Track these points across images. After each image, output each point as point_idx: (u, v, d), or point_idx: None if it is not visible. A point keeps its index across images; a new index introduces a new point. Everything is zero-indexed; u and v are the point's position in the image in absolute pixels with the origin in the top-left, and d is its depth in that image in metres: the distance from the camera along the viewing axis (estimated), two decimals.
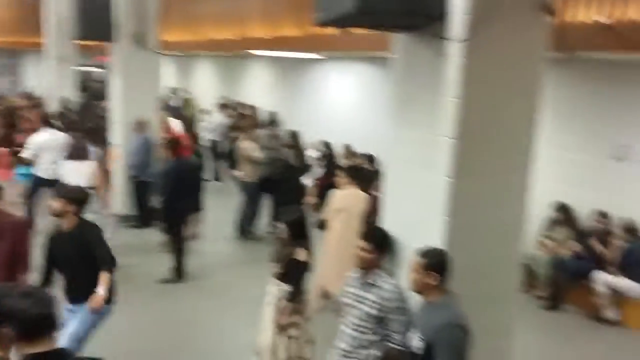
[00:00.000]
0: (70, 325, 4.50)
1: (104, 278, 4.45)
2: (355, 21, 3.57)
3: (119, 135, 9.42)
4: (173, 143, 7.64)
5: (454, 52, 3.29)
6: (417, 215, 3.67)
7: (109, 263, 4.55)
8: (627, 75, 6.98)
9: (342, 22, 3.53)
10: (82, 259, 4.51)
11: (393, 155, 3.93)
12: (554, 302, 7.24)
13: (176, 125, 10.94)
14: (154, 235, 7.98)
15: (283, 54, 11.84)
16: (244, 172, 9.21)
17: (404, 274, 3.57)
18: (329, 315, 5.22)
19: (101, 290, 4.42)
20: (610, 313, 6.78)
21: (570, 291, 7.22)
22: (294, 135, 9.47)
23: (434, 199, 3.51)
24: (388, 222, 3.98)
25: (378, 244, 3.79)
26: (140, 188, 8.96)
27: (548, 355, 6.10)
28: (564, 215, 7.59)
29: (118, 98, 9.51)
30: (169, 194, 7.23)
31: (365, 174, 7.47)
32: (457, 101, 3.30)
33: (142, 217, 9.07)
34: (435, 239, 3.50)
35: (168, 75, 20.49)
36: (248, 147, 9.19)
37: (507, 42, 3.38)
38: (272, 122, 10.90)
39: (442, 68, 3.38)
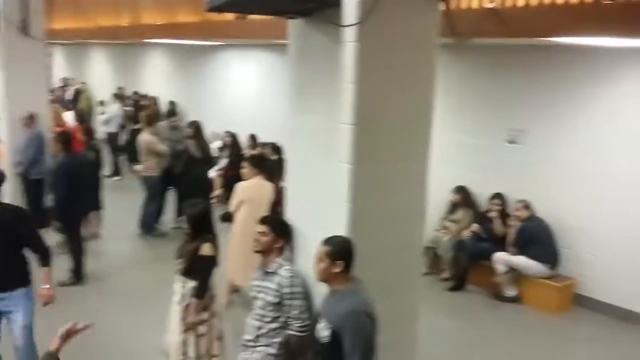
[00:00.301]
0: (16, 317, 4.46)
1: (45, 272, 4.50)
2: (245, 6, 3.43)
3: (5, 130, 8.75)
4: (64, 137, 7.19)
5: (348, 37, 3.24)
6: (320, 204, 3.61)
7: (46, 255, 4.52)
8: (518, 60, 7.26)
9: (231, 6, 3.38)
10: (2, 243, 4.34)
11: (293, 143, 3.85)
12: (458, 283, 7.46)
13: (69, 118, 10.34)
14: (50, 236, 7.50)
15: (180, 41, 11.46)
16: (145, 166, 8.84)
17: (307, 263, 3.50)
18: (239, 310, 5.09)
19: (47, 286, 4.48)
20: (510, 291, 7.07)
21: (472, 272, 7.46)
22: (196, 126, 9.13)
23: (335, 187, 3.45)
24: (291, 211, 3.90)
25: (276, 227, 3.78)
26: (32, 186, 8.39)
27: (452, 335, 6.27)
28: (464, 197, 7.83)
29: (2, 91, 8.83)
30: (62, 191, 6.83)
31: (269, 163, 7.38)
32: (354, 87, 3.25)
33: (37, 217, 8.48)
34: (339, 227, 3.45)
35: (59, 66, 19.45)
36: (148, 139, 8.82)
37: (401, 27, 3.37)
38: (172, 112, 10.55)
39: (338, 54, 3.31)
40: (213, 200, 10.04)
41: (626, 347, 6.02)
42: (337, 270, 3.27)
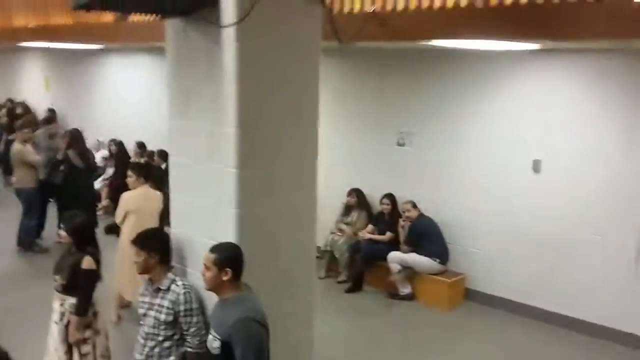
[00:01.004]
0: None
1: None
2: (112, 4, 3.20)
3: None
4: None
5: (228, 38, 3.11)
6: (206, 210, 3.44)
7: None
8: (406, 64, 7.44)
9: (98, 5, 3.14)
10: None
11: (175, 149, 3.64)
12: (355, 284, 7.50)
13: None
14: None
15: (55, 44, 10.78)
16: (20, 178, 8.21)
17: (198, 273, 3.32)
18: (129, 325, 4.79)
19: None
20: (404, 289, 7.20)
21: (368, 273, 7.53)
22: (72, 134, 8.47)
23: (221, 192, 3.31)
24: (176, 219, 3.69)
25: (151, 247, 3.55)
26: None
27: (350, 336, 6.28)
28: (358, 199, 7.90)
29: None
30: None
31: (157, 171, 7.07)
32: (236, 89, 3.13)
33: None
34: (227, 233, 3.31)
35: None
36: (18, 148, 8.21)
37: (282, 29, 3.31)
38: (50, 120, 9.88)
39: (218, 55, 3.17)
40: (99, 212, 9.57)
41: (515, 337, 6.28)
42: (225, 278, 3.14)
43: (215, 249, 3.17)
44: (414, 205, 7.22)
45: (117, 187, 8.62)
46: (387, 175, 7.79)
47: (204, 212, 3.45)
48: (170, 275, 3.54)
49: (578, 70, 6.17)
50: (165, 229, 4.16)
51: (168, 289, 3.51)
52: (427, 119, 7.35)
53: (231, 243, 3.25)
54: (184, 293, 3.47)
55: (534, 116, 6.49)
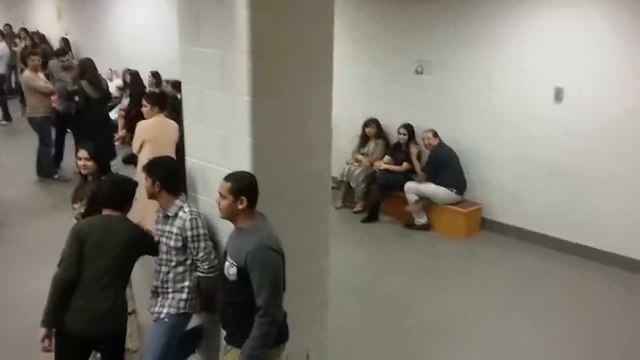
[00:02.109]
0: None
1: None
2: None
3: None
4: None
5: None
6: (220, 138, 3.40)
7: None
8: None
9: None
10: None
11: (187, 77, 3.57)
12: (371, 215, 7.54)
13: None
14: None
15: None
16: (31, 106, 8.23)
17: (211, 201, 3.32)
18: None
19: None
20: (420, 219, 7.22)
21: (385, 203, 7.54)
22: (87, 63, 8.37)
23: (235, 121, 3.26)
24: (191, 147, 3.67)
25: (155, 174, 3.55)
26: None
27: (365, 265, 6.36)
28: (375, 129, 7.83)
29: None
30: None
31: (172, 101, 7.01)
32: (247, 14, 3.01)
33: None
34: (241, 162, 3.28)
35: None
36: (31, 76, 8.17)
37: None
38: (64, 51, 9.77)
39: None
40: (116, 142, 9.62)
41: (529, 264, 6.33)
42: (241, 206, 3.14)
43: (230, 177, 3.16)
44: (435, 134, 7.12)
45: (134, 116, 8.61)
46: (405, 104, 7.68)
47: (218, 141, 3.41)
48: (177, 202, 3.55)
49: None
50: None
51: (176, 215, 3.54)
52: (445, 46, 7.16)
53: (246, 172, 3.23)
54: (190, 219, 3.49)
55: (557, 42, 6.27)
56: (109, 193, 3.62)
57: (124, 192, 3.64)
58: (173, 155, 4.90)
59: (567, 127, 6.35)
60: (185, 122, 3.66)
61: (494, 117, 6.90)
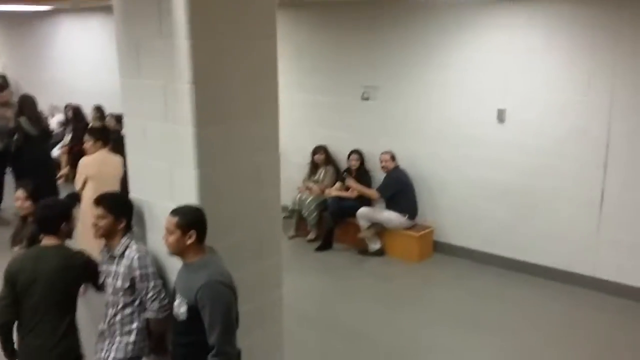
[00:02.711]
0: None
1: None
2: None
3: None
4: None
5: None
6: (165, 172, 3.30)
7: None
8: (368, 17, 7.28)
9: None
10: None
11: (129, 109, 3.47)
12: (325, 243, 7.48)
13: None
14: None
15: (2, 7, 10.28)
16: None
17: (159, 238, 3.20)
18: (94, 295, 4.66)
19: None
20: (374, 245, 7.20)
21: (338, 230, 7.51)
22: (25, 100, 8.07)
23: (180, 152, 3.18)
24: (135, 183, 3.55)
25: (113, 207, 3.39)
26: None
27: (320, 293, 6.29)
28: (324, 156, 7.82)
29: None
30: None
31: (116, 135, 6.84)
32: (189, 43, 2.96)
33: None
34: (188, 195, 3.19)
35: None
36: None
37: None
38: (1, 87, 9.44)
39: (169, 9, 2.99)
40: (59, 180, 9.30)
41: (479, 285, 6.39)
42: (189, 241, 3.04)
43: (177, 211, 3.07)
44: (393, 157, 7.13)
45: (77, 153, 8.37)
46: (353, 130, 7.72)
47: (163, 174, 3.31)
48: (124, 240, 3.40)
49: (541, 18, 6.10)
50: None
51: (122, 254, 3.39)
52: (390, 71, 7.25)
53: (193, 205, 3.14)
54: (138, 258, 3.35)
55: (498, 65, 6.44)
56: (39, 216, 3.47)
57: (56, 213, 3.46)
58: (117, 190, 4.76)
59: (510, 148, 6.49)
60: (129, 157, 3.55)
61: (440, 140, 7.01)
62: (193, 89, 3.02)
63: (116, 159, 5.76)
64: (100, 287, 3.58)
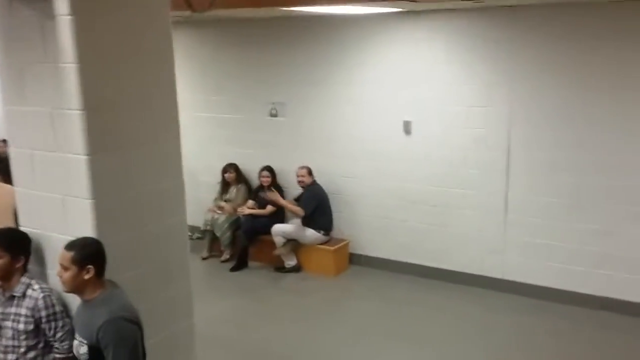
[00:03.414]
0: None
1: None
2: None
3: None
4: None
5: (61, 10, 2.75)
6: (58, 204, 3.08)
7: None
8: (273, 33, 7.24)
9: None
10: None
11: (15, 139, 3.23)
12: (239, 262, 7.33)
13: None
14: None
15: None
16: None
17: (53, 275, 2.99)
18: None
19: None
20: (290, 261, 7.13)
21: (252, 248, 7.38)
22: None
23: (72, 183, 2.97)
24: (25, 216, 3.30)
25: (9, 246, 3.13)
26: None
27: (237, 314, 6.13)
28: (234, 174, 7.69)
29: None
30: None
31: (5, 162, 6.39)
32: (77, 67, 2.78)
33: None
34: (84, 227, 2.99)
35: None
36: None
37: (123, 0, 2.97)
38: None
39: (53, 31, 2.81)
40: None
41: (396, 294, 6.46)
42: (87, 276, 2.84)
43: (71, 245, 2.85)
44: (310, 172, 7.08)
45: None
46: (262, 147, 7.64)
47: (56, 206, 3.09)
48: (23, 279, 3.15)
49: (440, 30, 6.29)
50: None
51: (23, 295, 3.13)
52: (297, 87, 7.24)
53: (90, 237, 2.94)
54: (43, 297, 3.11)
55: (402, 78, 6.57)
56: None
57: None
58: (11, 223, 4.42)
59: (418, 158, 6.62)
60: (17, 188, 3.30)
61: (350, 154, 7.05)
62: (83, 115, 2.83)
63: (7, 188, 5.29)
64: None
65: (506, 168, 6.18)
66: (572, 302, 5.97)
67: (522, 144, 6.07)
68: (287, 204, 7.23)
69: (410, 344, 5.38)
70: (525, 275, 6.24)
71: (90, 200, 2.95)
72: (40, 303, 3.11)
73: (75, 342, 2.92)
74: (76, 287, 2.88)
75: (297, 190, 7.26)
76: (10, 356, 3.20)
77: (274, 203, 7.23)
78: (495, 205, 6.29)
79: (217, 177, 7.79)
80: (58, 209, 3.09)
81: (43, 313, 3.11)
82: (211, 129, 7.98)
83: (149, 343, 3.03)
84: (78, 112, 2.83)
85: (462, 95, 6.28)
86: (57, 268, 2.87)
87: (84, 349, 2.85)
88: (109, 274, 2.94)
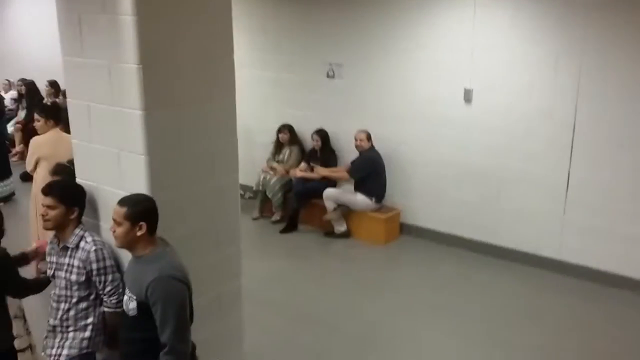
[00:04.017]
0: None
1: None
2: None
3: None
4: None
5: None
6: (112, 157, 3.08)
7: None
8: None
9: None
10: None
11: (73, 90, 3.22)
12: (290, 224, 7.32)
13: None
14: None
15: None
16: None
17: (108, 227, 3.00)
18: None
19: None
20: (340, 227, 7.07)
21: (303, 211, 7.35)
22: None
23: (128, 137, 2.96)
24: (81, 167, 3.32)
25: (64, 197, 3.15)
26: None
27: (286, 276, 6.15)
28: (289, 136, 7.62)
29: None
30: None
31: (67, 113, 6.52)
32: (134, 20, 2.72)
33: None
34: (137, 182, 2.99)
35: None
36: None
37: None
38: None
39: None
40: (14, 158, 8.97)
41: (445, 267, 6.32)
42: (140, 233, 2.84)
43: (125, 201, 2.85)
44: (369, 137, 6.89)
45: (31, 130, 8.00)
46: (318, 109, 7.53)
47: (111, 160, 3.09)
48: (77, 231, 3.18)
49: None
50: None
51: (77, 246, 3.17)
52: (355, 48, 7.06)
53: (143, 194, 2.94)
54: (95, 250, 3.14)
55: (464, 44, 6.29)
56: None
57: None
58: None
59: (477, 128, 6.39)
60: (74, 140, 3.31)
61: (407, 120, 6.87)
62: (140, 70, 2.79)
63: (66, 138, 5.45)
64: (17, 291, 3.37)
65: (570, 144, 5.89)
66: (631, 289, 5.71)
67: (588, 119, 5.76)
68: (330, 172, 7.12)
69: (454, 320, 5.27)
70: (583, 257, 5.99)
71: (144, 156, 2.93)
72: (92, 256, 3.14)
73: (125, 297, 2.94)
74: (128, 242, 2.88)
75: (353, 154, 7.12)
76: (62, 305, 3.27)
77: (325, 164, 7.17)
78: (555, 182, 6.03)
79: (272, 137, 7.75)
80: (113, 163, 3.09)
81: (94, 266, 3.14)
82: (269, 88, 7.91)
83: (197, 301, 3.03)
84: (135, 66, 2.79)
85: (527, 64, 5.98)
86: (111, 223, 2.87)
87: (133, 305, 2.87)
88: (160, 231, 2.93)
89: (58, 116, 5.58)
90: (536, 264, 6.22)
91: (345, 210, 7.06)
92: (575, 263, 6.03)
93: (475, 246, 6.60)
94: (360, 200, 6.94)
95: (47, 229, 3.25)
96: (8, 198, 7.80)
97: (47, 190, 3.16)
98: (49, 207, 3.13)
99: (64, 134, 5.53)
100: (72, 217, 3.17)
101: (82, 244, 3.17)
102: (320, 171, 7.14)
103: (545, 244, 6.20)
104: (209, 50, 3.12)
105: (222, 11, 3.16)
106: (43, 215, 3.17)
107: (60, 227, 3.18)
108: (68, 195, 3.18)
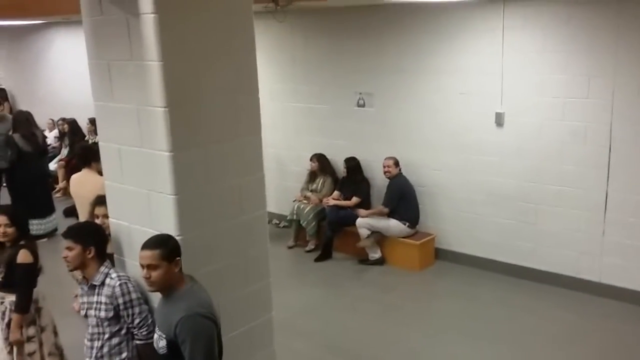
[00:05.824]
0: None
1: None
2: None
3: None
4: None
5: (145, 8, 2.80)
6: (143, 198, 3.17)
7: None
8: (360, 22, 7.13)
9: None
10: None
11: (104, 133, 3.34)
12: (324, 252, 7.34)
13: None
14: None
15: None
16: None
17: (136, 263, 3.07)
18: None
19: None
20: (374, 254, 7.06)
21: (337, 239, 7.36)
22: (18, 117, 8.01)
23: (156, 178, 3.04)
24: (113, 207, 3.42)
25: (80, 238, 3.27)
26: None
27: (321, 304, 6.14)
28: (321, 164, 7.68)
29: None
30: None
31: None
32: (160, 65, 2.82)
33: None
34: (167, 221, 3.06)
35: None
36: None
37: None
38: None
39: (138, 28, 2.86)
40: (57, 194, 9.26)
41: (483, 293, 6.22)
42: (176, 269, 2.90)
43: (154, 244, 2.87)
44: (397, 163, 6.95)
45: (74, 167, 8.26)
46: (349, 137, 7.58)
47: (141, 200, 3.18)
48: (102, 269, 3.27)
49: (536, 18, 5.94)
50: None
51: (103, 283, 3.25)
52: (385, 77, 7.11)
53: (167, 235, 2.98)
54: (120, 285, 3.21)
55: (494, 68, 6.27)
56: None
57: None
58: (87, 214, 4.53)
59: (510, 151, 6.33)
60: (106, 181, 3.42)
61: (439, 146, 6.85)
62: (167, 112, 2.88)
63: (95, 179, 5.42)
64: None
65: (607, 164, 5.78)
66: None
67: (625, 139, 5.65)
68: (372, 212, 7.10)
69: (493, 346, 5.18)
70: (624, 280, 5.83)
71: (173, 196, 3.00)
72: (117, 290, 3.21)
73: (155, 336, 3.00)
74: (167, 282, 2.89)
75: (382, 181, 7.13)
76: (96, 343, 3.34)
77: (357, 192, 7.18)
78: (593, 203, 5.91)
79: (306, 167, 7.82)
80: (143, 203, 3.17)
81: (120, 300, 3.21)
82: (300, 119, 8.00)
83: (227, 337, 3.06)
84: (162, 109, 2.89)
85: (558, 86, 5.92)
86: (142, 271, 2.89)
87: (163, 343, 2.92)
88: (189, 269, 2.99)
89: (88, 157, 5.62)
90: (576, 287, 6.08)
91: (379, 237, 7.05)
92: (616, 285, 5.87)
93: (513, 270, 6.49)
94: (394, 225, 6.92)
95: (69, 269, 3.36)
96: (51, 234, 8.03)
97: (64, 233, 3.30)
98: (67, 248, 3.26)
99: (92, 175, 5.53)
100: (90, 256, 3.26)
101: (107, 280, 3.25)
102: (362, 213, 7.13)
103: (584, 266, 6.06)
104: (234, 88, 3.19)
105: (246, 50, 3.24)
106: (64, 258, 3.29)
107: (81, 267, 3.28)
108: (82, 235, 3.29)
